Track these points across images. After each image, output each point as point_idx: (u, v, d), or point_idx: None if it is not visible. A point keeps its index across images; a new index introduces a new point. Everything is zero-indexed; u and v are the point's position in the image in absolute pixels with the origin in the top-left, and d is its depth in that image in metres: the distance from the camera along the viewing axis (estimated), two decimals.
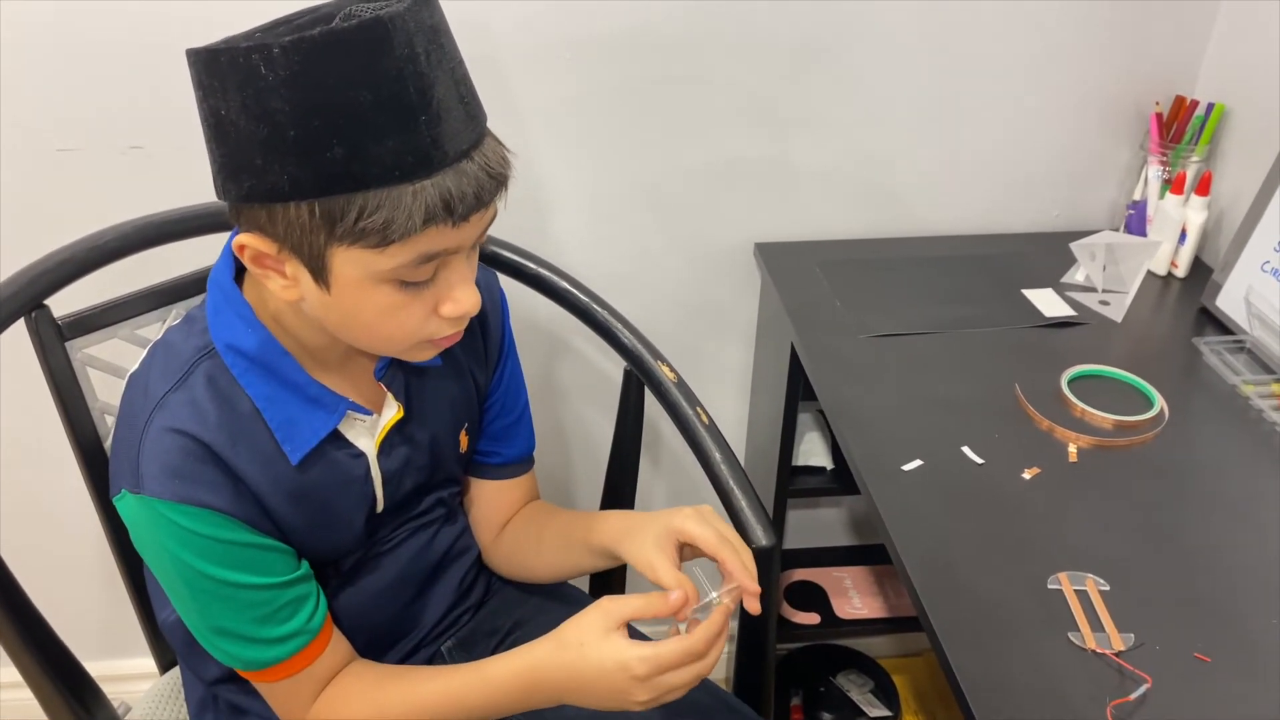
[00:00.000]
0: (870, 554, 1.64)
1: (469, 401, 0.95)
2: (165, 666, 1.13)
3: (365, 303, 0.72)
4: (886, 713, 1.61)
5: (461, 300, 0.74)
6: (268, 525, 0.79)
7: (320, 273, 0.70)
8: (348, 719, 0.85)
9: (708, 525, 0.81)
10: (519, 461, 1.02)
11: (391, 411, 0.85)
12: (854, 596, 1.56)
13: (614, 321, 1.12)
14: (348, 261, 0.69)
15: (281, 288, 0.73)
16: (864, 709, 1.61)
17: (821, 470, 1.39)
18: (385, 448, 0.86)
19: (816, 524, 1.67)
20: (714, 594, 0.79)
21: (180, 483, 0.74)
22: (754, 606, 0.79)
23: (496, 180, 0.70)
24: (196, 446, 0.74)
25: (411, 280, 0.71)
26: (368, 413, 0.84)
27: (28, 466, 1.42)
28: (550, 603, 1.06)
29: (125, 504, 0.76)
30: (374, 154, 0.64)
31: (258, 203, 0.67)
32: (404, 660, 0.96)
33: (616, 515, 0.91)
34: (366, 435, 0.85)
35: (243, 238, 0.71)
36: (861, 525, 1.68)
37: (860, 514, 1.66)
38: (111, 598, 1.52)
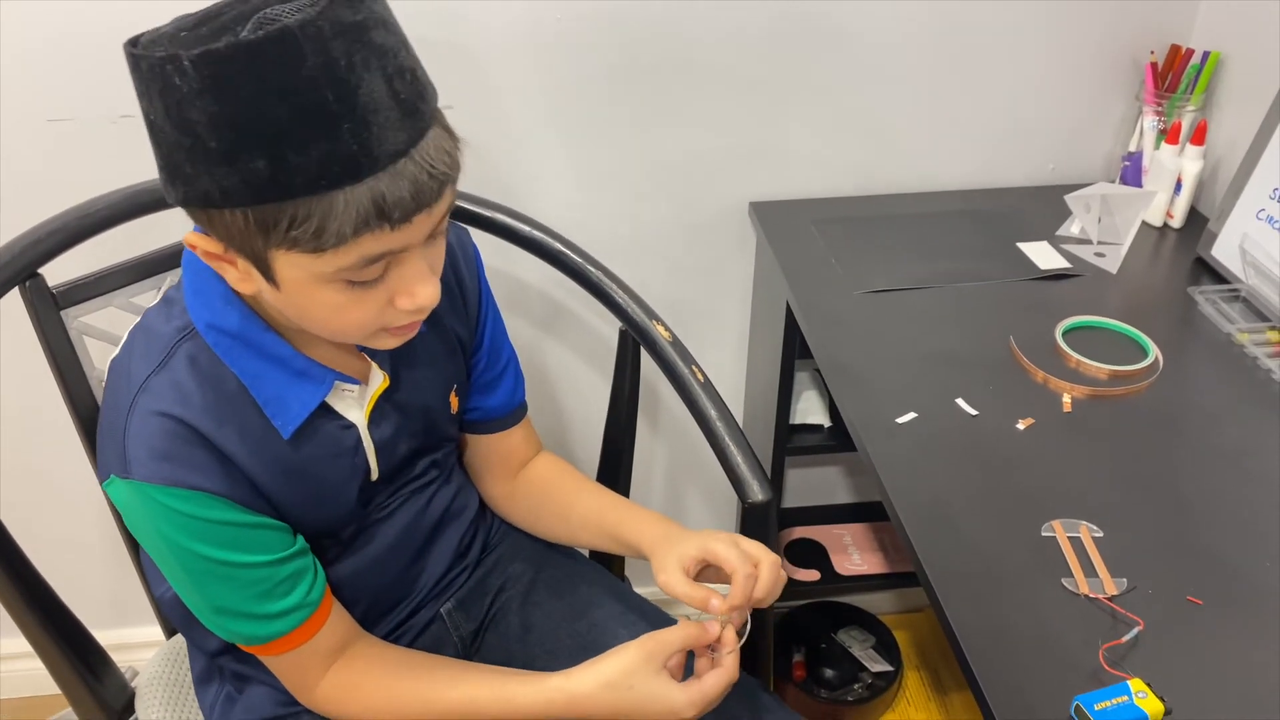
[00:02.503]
0: (870, 511, 1.65)
1: (455, 362, 0.94)
2: (171, 633, 1.14)
3: (314, 301, 0.70)
4: (888, 667, 1.62)
5: (418, 295, 0.72)
6: (260, 503, 0.79)
7: (267, 273, 0.69)
8: (361, 703, 0.85)
9: (736, 550, 0.82)
10: (512, 411, 1.02)
11: (378, 381, 0.84)
12: (854, 553, 1.57)
13: (608, 282, 1.12)
14: (289, 264, 0.67)
15: (237, 281, 0.72)
16: (866, 664, 1.63)
17: (819, 428, 1.39)
18: (375, 417, 0.86)
19: (815, 482, 1.67)
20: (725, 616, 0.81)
21: (168, 465, 0.74)
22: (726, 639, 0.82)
23: (438, 180, 0.67)
24: (182, 428, 0.74)
25: (359, 280, 0.69)
26: (355, 383, 0.83)
27: (29, 439, 1.43)
28: (548, 560, 1.07)
29: (115, 489, 0.76)
30: (298, 164, 0.61)
31: (195, 207, 0.66)
32: (404, 622, 0.97)
33: (653, 522, 0.92)
34: (355, 406, 0.84)
35: (190, 236, 0.70)
36: (860, 482, 1.69)
37: (859, 471, 1.67)
38: (117, 566, 1.53)
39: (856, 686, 1.60)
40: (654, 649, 0.79)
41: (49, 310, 0.97)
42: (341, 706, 0.86)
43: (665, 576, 0.83)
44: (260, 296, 0.73)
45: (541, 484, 1.04)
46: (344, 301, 0.70)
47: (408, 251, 0.70)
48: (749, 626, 0.84)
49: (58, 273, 0.99)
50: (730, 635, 0.81)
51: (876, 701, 1.59)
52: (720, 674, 0.79)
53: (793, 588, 1.54)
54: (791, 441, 1.37)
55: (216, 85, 0.60)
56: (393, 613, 0.97)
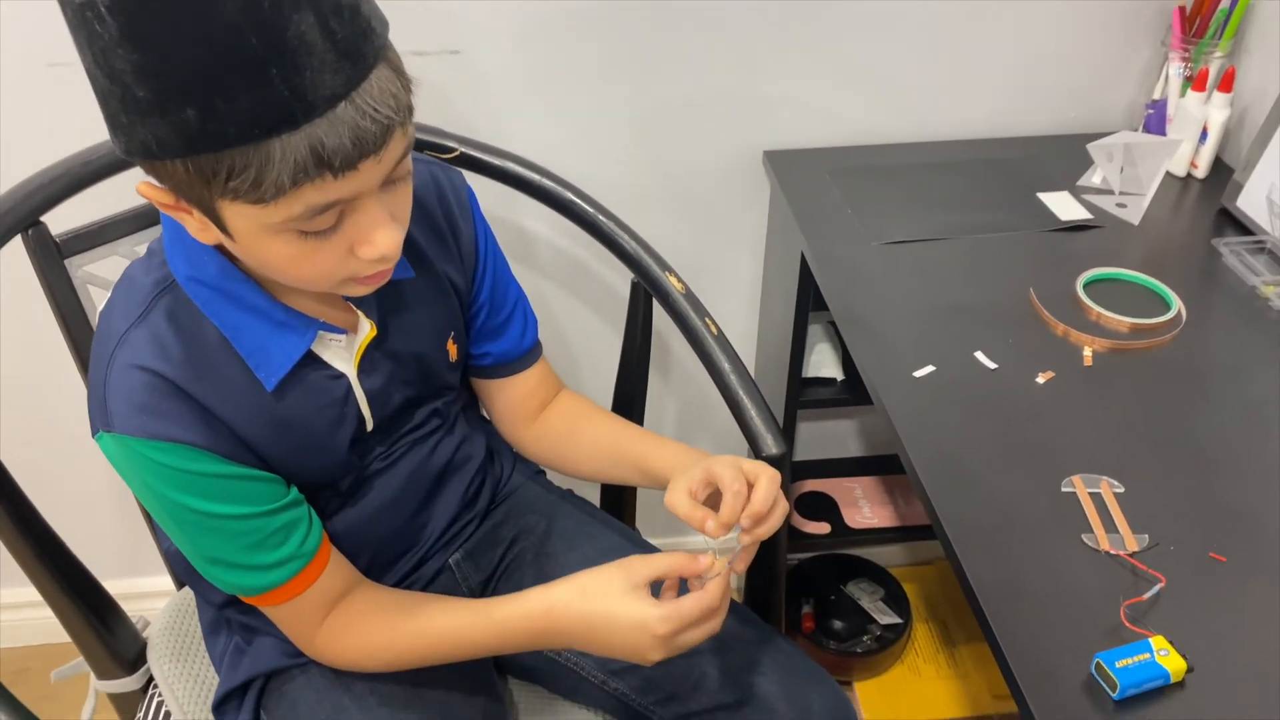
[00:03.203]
0: (881, 464, 1.64)
1: (450, 310, 0.92)
2: (181, 584, 1.14)
3: (269, 252, 0.68)
4: (897, 620, 1.62)
5: (377, 243, 0.68)
6: (246, 455, 0.78)
7: (219, 223, 0.67)
8: (357, 645, 0.85)
9: (734, 469, 0.81)
10: (524, 355, 1.00)
11: (365, 329, 0.82)
12: (864, 506, 1.56)
13: (620, 233, 1.10)
14: (237, 215, 0.65)
15: (198, 231, 0.70)
16: (875, 616, 1.63)
17: (832, 381, 1.38)
18: (366, 366, 0.84)
19: (827, 435, 1.66)
20: (718, 542, 0.80)
21: (148, 418, 0.73)
22: (737, 566, 0.81)
23: (382, 124, 0.63)
24: (161, 382, 0.73)
25: (310, 230, 0.66)
26: (341, 332, 0.81)
27: (36, 389, 1.42)
28: (560, 511, 1.06)
29: (103, 443, 0.75)
30: (228, 112, 0.58)
31: (136, 158, 0.64)
32: (411, 573, 0.97)
33: (677, 451, 0.91)
34: (343, 356, 0.82)
35: (142, 187, 0.68)
36: (872, 436, 1.67)
37: (871, 425, 1.66)
38: (128, 516, 1.53)
39: (865, 638, 1.61)
40: (635, 565, 0.78)
41: (52, 259, 0.96)
42: (340, 652, 0.86)
43: (670, 496, 0.82)
44: (227, 245, 0.72)
45: (564, 421, 1.02)
46: (299, 252, 0.68)
47: (362, 199, 0.67)
48: (738, 556, 0.81)
49: (60, 221, 0.97)
50: (710, 560, 0.78)
51: (885, 654, 1.59)
52: (698, 597, 0.76)
53: (802, 541, 1.53)
54: (804, 395, 1.36)
55: (134, 32, 0.57)
56: (399, 564, 0.96)
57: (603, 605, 0.77)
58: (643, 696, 0.96)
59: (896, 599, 1.66)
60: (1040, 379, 0.97)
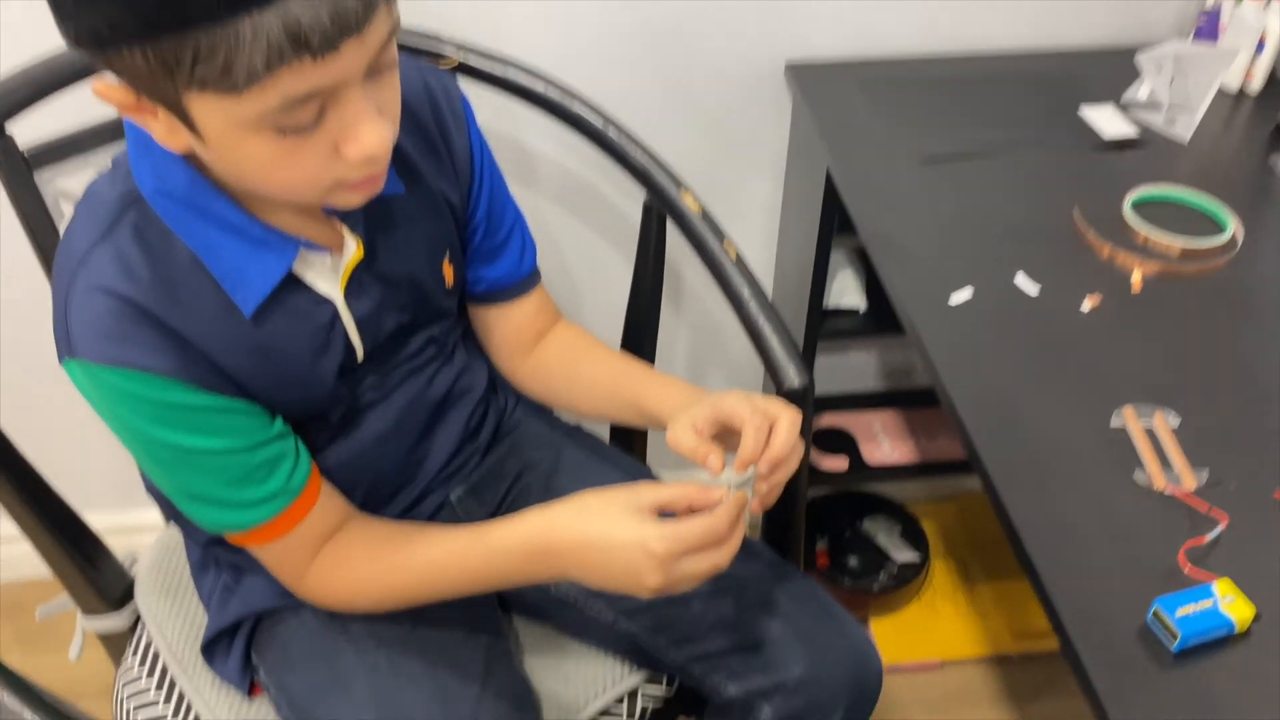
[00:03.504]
0: (902, 398, 1.58)
1: (445, 229, 0.85)
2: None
3: (245, 154, 0.61)
4: (915, 557, 1.58)
5: (364, 140, 0.62)
6: (224, 385, 0.72)
7: (188, 123, 0.60)
8: (347, 582, 0.80)
9: (751, 405, 0.74)
10: (521, 281, 0.93)
11: (351, 249, 0.75)
12: (884, 442, 1.50)
13: (632, 148, 1.02)
14: (207, 110, 0.58)
15: (164, 135, 0.63)
16: (891, 554, 1.59)
17: (854, 312, 1.31)
18: (354, 290, 0.77)
19: (845, 368, 1.60)
20: (736, 477, 0.73)
21: (114, 345, 0.67)
22: (753, 507, 0.74)
23: (363, 0, 0.56)
24: (127, 307, 0.67)
25: (289, 125, 0.59)
26: (325, 251, 0.74)
27: (12, 312, 1.36)
28: (567, 446, 1.01)
29: (70, 370, 0.69)
30: None
31: (87, 49, 0.57)
32: (410, 509, 0.91)
33: (677, 389, 0.84)
34: (328, 278, 0.76)
35: (99, 86, 0.60)
36: (893, 369, 1.61)
37: (892, 357, 1.59)
38: (118, 445, 1.48)
39: (882, 576, 1.56)
40: (641, 489, 0.72)
41: (20, 172, 0.89)
42: (330, 593, 0.81)
43: (673, 433, 0.76)
44: (197, 153, 0.65)
45: (560, 354, 0.96)
46: (277, 153, 0.61)
47: (344, 89, 0.60)
48: (753, 492, 0.74)
49: (29, 132, 0.90)
50: (724, 493, 0.71)
51: (902, 591, 1.55)
52: (703, 519, 0.70)
53: (818, 477, 1.48)
54: (824, 326, 1.29)
55: None
56: (396, 499, 0.90)
57: (600, 523, 0.71)
58: (655, 637, 0.91)
59: (914, 536, 1.61)
60: (1086, 305, 0.90)
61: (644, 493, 0.72)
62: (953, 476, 1.68)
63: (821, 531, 1.60)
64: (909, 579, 1.55)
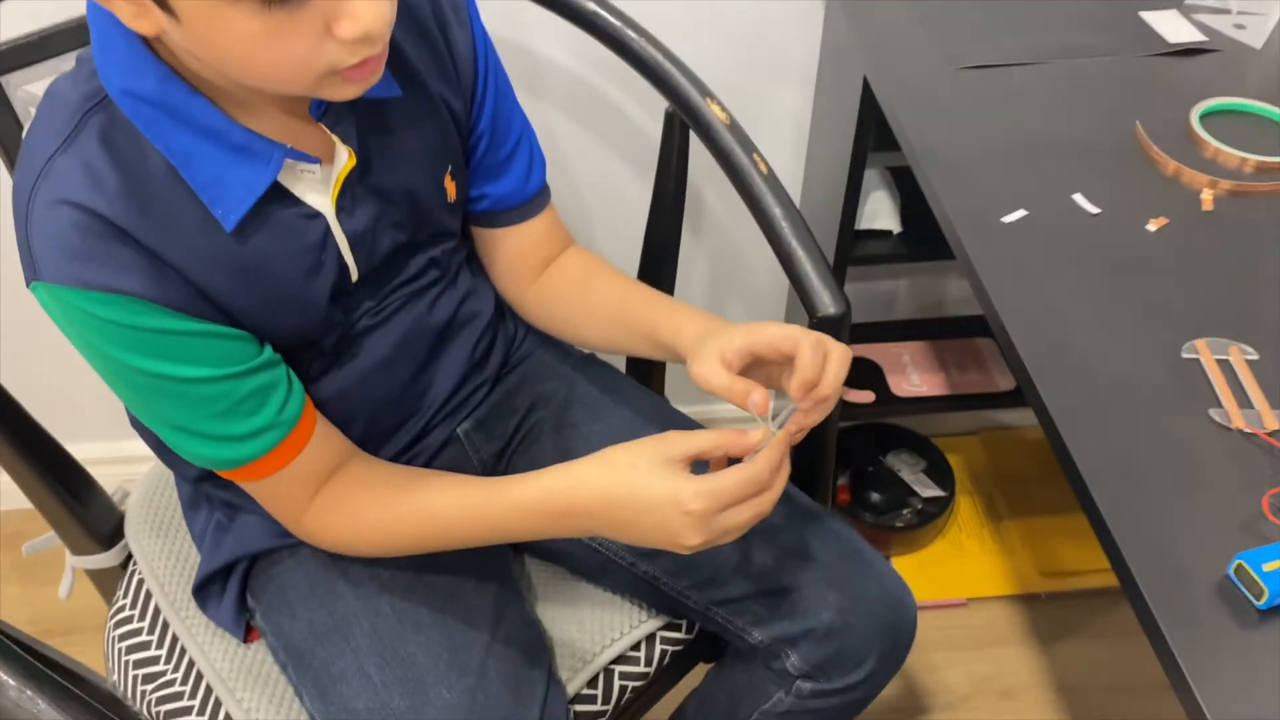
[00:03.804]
0: (932, 328, 1.50)
1: (447, 139, 0.77)
2: None
3: (226, 34, 0.54)
4: (940, 492, 1.52)
5: (360, 16, 0.55)
6: (205, 308, 0.65)
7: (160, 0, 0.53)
8: (348, 524, 0.74)
9: (788, 327, 0.68)
10: (529, 200, 0.85)
11: (343, 159, 0.68)
12: (912, 374, 1.43)
13: (653, 51, 0.93)
14: None
15: (132, 17, 0.56)
16: (916, 489, 1.53)
17: (887, 234, 1.23)
18: (346, 204, 0.70)
19: (873, 296, 1.52)
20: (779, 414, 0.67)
21: (81, 265, 0.60)
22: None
23: None
24: (95, 221, 0.60)
25: None
26: (314, 161, 0.67)
27: None
28: (581, 377, 0.94)
29: (37, 294, 0.63)
30: None
31: None
32: (414, 444, 0.85)
33: (695, 319, 0.76)
34: (319, 190, 0.69)
35: None
36: (924, 296, 1.53)
37: (923, 284, 1.51)
38: None
39: (906, 512, 1.51)
40: (671, 439, 0.66)
41: None
42: (331, 534, 0.75)
43: (700, 366, 0.69)
44: (169, 40, 0.58)
45: (569, 280, 0.88)
46: (262, 32, 0.54)
47: None
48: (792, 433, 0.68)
49: None
50: (762, 434, 0.65)
51: (927, 528, 1.49)
52: (742, 468, 0.64)
53: (844, 409, 1.41)
54: (855, 250, 1.21)
55: None
56: (399, 433, 0.84)
57: (629, 479, 0.65)
58: (676, 580, 0.86)
59: (939, 471, 1.55)
60: (1151, 226, 0.82)
61: (674, 442, 0.65)
62: (982, 410, 1.61)
63: (843, 466, 1.54)
64: (934, 515, 1.50)
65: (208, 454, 0.69)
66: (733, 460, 0.67)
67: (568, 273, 0.88)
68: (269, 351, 0.69)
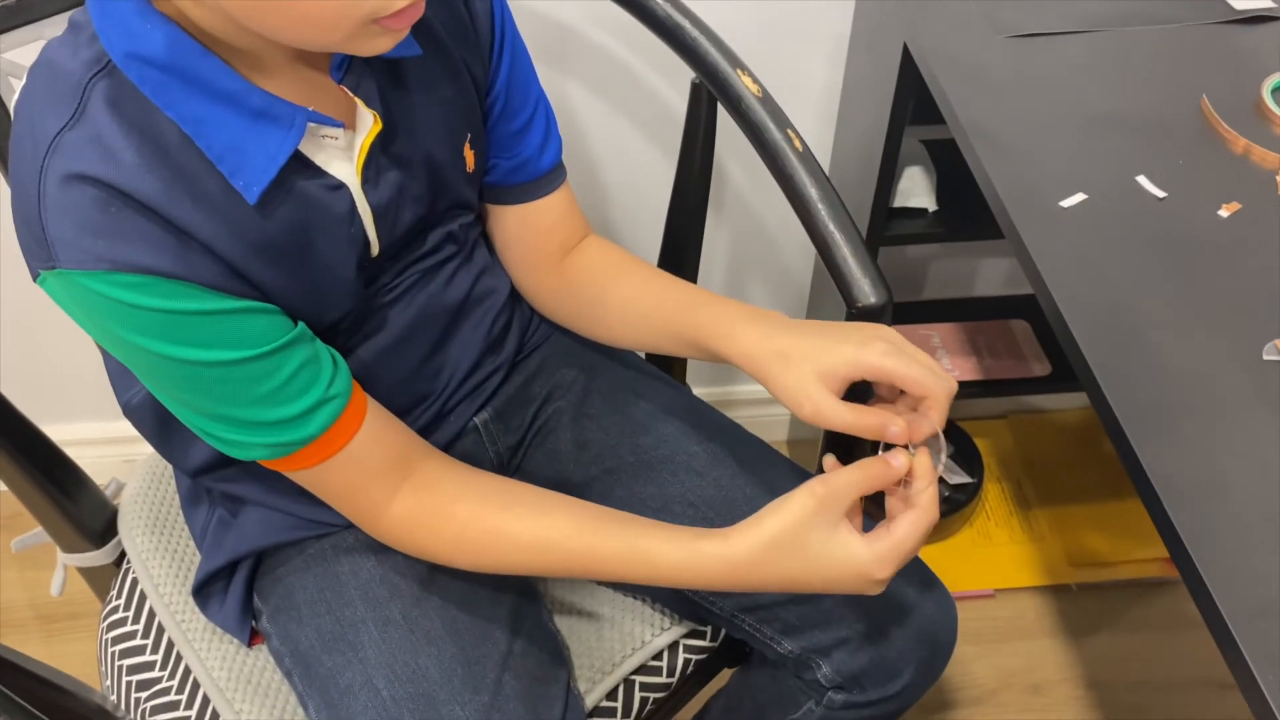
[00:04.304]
0: (964, 309, 1.44)
1: (469, 105, 0.72)
2: None
3: None
4: (967, 479, 1.47)
5: None
6: (239, 285, 0.60)
7: None
8: (448, 543, 0.69)
9: (905, 357, 0.63)
10: (542, 175, 0.79)
11: (368, 123, 0.63)
12: (943, 357, 1.38)
13: (679, 17, 0.87)
14: None
15: None
16: (943, 475, 1.47)
17: (922, 213, 1.16)
18: (370, 174, 0.65)
19: (903, 276, 1.46)
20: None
21: (107, 243, 0.55)
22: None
23: None
24: (116, 195, 0.55)
25: None
26: (338, 125, 0.62)
27: None
28: (601, 364, 0.88)
29: (48, 286, 0.57)
30: None
31: None
32: (429, 430, 0.80)
33: (743, 323, 0.70)
34: (342, 158, 0.63)
35: None
36: (957, 278, 1.47)
37: (956, 265, 1.45)
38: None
39: None
40: (827, 496, 0.61)
41: None
42: (425, 543, 0.70)
43: (814, 406, 0.64)
44: (188, 22, 0.53)
45: (590, 271, 0.82)
46: None
47: None
48: (945, 452, 0.64)
49: None
50: (925, 463, 0.62)
51: (954, 516, 1.44)
52: (916, 516, 0.61)
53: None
54: (888, 229, 1.15)
55: None
56: (411, 416, 0.78)
57: (801, 558, 0.62)
58: None
59: (967, 456, 1.50)
60: (1223, 211, 0.76)
61: (836, 501, 0.61)
62: (1014, 396, 1.55)
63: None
64: (962, 503, 1.45)
65: (263, 440, 0.63)
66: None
67: (589, 263, 0.83)
68: (302, 325, 0.64)
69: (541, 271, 0.83)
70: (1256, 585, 0.54)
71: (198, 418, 0.63)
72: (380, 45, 0.56)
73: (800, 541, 0.61)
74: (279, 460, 0.65)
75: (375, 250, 0.68)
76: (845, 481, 0.62)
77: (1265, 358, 0.65)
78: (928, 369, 0.63)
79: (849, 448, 0.85)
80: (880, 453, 0.63)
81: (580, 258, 0.83)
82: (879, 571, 0.61)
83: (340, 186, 0.64)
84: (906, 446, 0.63)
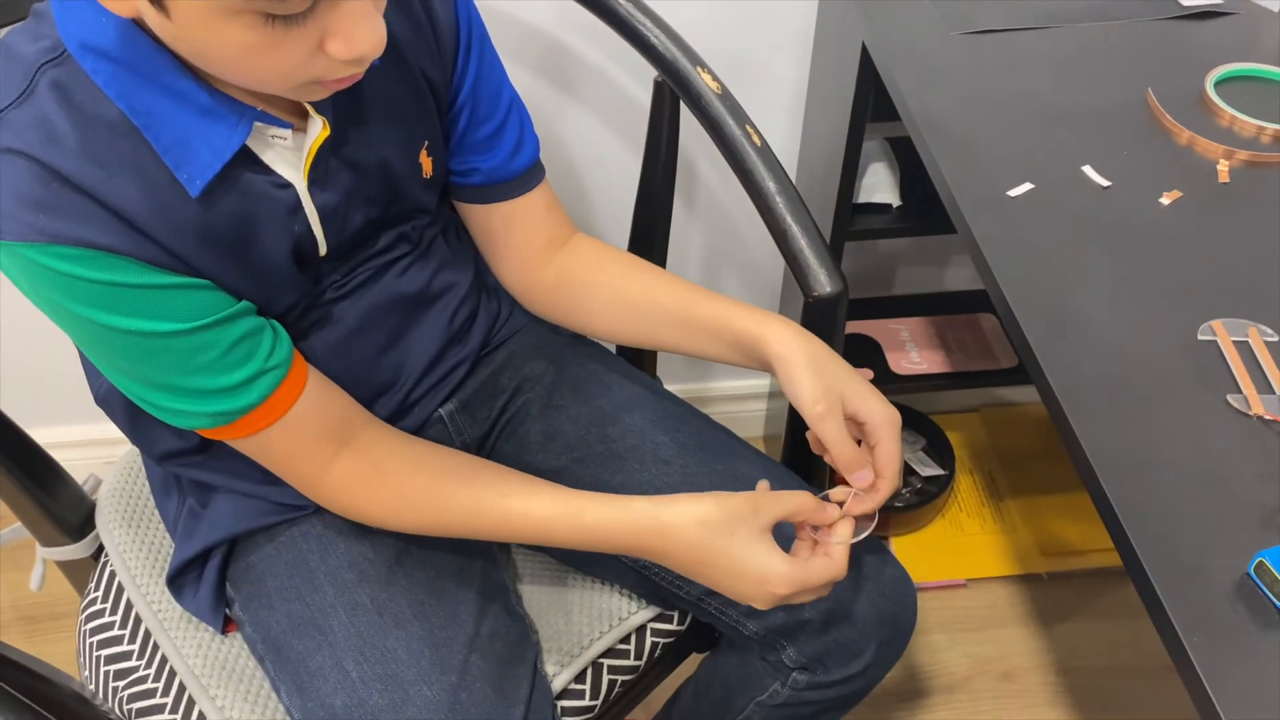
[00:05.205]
0: (931, 303, 1.46)
1: (425, 113, 0.74)
2: None
3: (218, 40, 0.52)
4: (939, 471, 1.49)
5: (356, 39, 0.54)
6: (178, 265, 0.62)
7: None
8: (388, 508, 0.73)
9: (880, 406, 0.72)
10: (520, 174, 0.81)
11: (316, 128, 0.65)
12: (912, 351, 1.40)
13: (640, 18, 0.89)
14: None
15: None
16: (915, 467, 1.50)
17: (886, 208, 1.19)
18: (318, 176, 0.67)
19: (871, 271, 1.48)
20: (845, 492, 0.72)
21: (46, 217, 0.56)
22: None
23: None
24: (54, 175, 0.57)
25: (281, 13, 0.51)
26: (286, 127, 0.64)
27: None
28: (570, 357, 0.90)
29: None
30: None
31: None
32: (393, 420, 0.81)
33: (776, 324, 0.75)
34: (290, 159, 0.65)
35: None
36: (924, 272, 1.49)
37: (922, 259, 1.47)
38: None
39: (904, 491, 1.48)
40: (766, 505, 0.68)
41: None
42: (362, 503, 0.73)
43: (825, 425, 0.71)
44: (148, 22, 0.55)
45: (585, 265, 0.84)
46: (257, 43, 0.52)
47: None
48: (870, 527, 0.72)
49: None
50: (849, 529, 0.70)
51: (926, 507, 1.46)
52: (829, 563, 0.68)
53: None
54: (853, 224, 1.17)
55: None
56: (374, 407, 0.79)
57: (726, 547, 0.67)
58: (667, 570, 0.82)
59: (939, 449, 1.52)
60: (1165, 199, 0.78)
61: (769, 509, 0.68)
62: (983, 389, 1.58)
63: None
64: (933, 495, 1.47)
65: (204, 409, 0.65)
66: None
67: (583, 258, 0.84)
68: (245, 301, 0.67)
69: (532, 271, 0.85)
70: (1185, 552, 0.56)
71: (139, 386, 0.65)
72: (318, 96, 0.59)
73: (728, 531, 0.66)
74: (220, 429, 0.67)
75: (323, 250, 0.70)
76: (785, 501, 0.69)
77: (1200, 338, 0.68)
78: (886, 415, 0.72)
79: (807, 468, 0.89)
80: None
81: (573, 256, 0.85)
82: (781, 588, 0.66)
83: (287, 186, 0.65)
84: (840, 504, 0.70)
